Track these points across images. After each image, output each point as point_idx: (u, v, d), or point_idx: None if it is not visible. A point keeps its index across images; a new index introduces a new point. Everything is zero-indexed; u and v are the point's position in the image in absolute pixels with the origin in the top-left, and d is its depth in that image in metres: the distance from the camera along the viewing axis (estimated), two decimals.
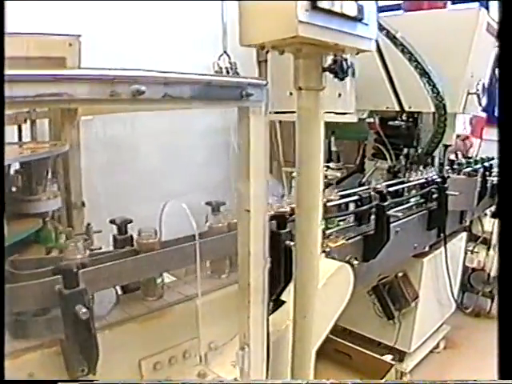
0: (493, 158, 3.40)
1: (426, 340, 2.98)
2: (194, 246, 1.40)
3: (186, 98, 0.98)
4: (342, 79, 1.28)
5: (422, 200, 2.47)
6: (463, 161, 3.12)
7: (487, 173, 3.03)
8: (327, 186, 2.87)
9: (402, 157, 2.83)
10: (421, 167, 2.68)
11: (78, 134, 2.17)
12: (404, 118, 2.74)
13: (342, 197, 2.09)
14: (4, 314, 0.89)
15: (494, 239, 3.27)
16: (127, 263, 1.34)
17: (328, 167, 3.38)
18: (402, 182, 2.48)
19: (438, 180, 2.48)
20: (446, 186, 2.45)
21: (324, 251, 1.84)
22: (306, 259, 1.42)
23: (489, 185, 3.09)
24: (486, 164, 3.09)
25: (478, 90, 2.59)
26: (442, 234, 2.59)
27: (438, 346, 3.17)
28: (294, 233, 1.43)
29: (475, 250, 3.32)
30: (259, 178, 1.19)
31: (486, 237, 3.32)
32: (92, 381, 1.18)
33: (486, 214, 3.32)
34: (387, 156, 2.84)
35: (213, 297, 1.54)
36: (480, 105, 2.63)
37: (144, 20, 3.21)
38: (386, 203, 2.02)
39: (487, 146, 4.03)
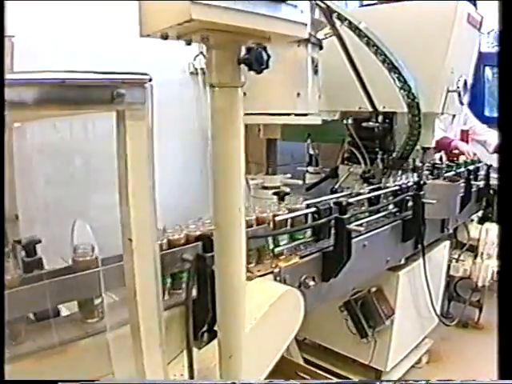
0: (479, 161, 3.08)
1: (405, 356, 2.67)
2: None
3: (31, 104, 0.70)
4: (259, 72, 0.99)
5: (396, 209, 2.17)
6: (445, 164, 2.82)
7: (472, 177, 2.72)
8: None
9: (378, 161, 2.52)
10: (399, 172, 2.38)
11: (10, 142, 1.90)
12: (380, 119, 2.44)
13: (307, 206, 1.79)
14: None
15: (481, 246, 2.96)
16: (37, 288, 1.07)
17: (307, 171, 3.09)
18: (376, 189, 2.18)
19: (413, 186, 2.18)
20: (421, 193, 2.14)
21: (272, 272, 1.56)
22: (228, 289, 1.15)
23: (475, 189, 2.80)
24: (471, 167, 2.78)
25: (458, 87, 2.29)
26: (419, 245, 2.30)
27: (420, 360, 2.86)
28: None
29: (461, 257, 3.01)
30: (142, 198, 0.90)
31: (472, 244, 3.01)
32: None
33: (472, 220, 3.01)
34: (361, 160, 2.55)
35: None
36: (461, 103, 2.32)
37: (115, 18, 2.94)
38: (346, 216, 1.72)
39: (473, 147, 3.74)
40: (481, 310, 3.22)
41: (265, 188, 2.17)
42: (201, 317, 1.27)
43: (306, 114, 2.06)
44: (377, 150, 2.53)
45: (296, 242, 1.70)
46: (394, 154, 2.40)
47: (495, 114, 4.18)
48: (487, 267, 2.94)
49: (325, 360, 2.61)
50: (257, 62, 0.99)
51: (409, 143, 2.26)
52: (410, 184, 2.20)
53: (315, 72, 2.06)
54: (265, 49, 1.01)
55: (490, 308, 3.23)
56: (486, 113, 4.25)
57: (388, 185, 2.20)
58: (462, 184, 2.60)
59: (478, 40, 2.49)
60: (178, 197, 3.37)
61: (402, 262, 2.33)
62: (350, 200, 1.84)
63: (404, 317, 2.44)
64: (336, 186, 2.54)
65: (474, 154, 3.24)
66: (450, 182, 2.39)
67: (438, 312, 3.16)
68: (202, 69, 3.39)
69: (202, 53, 3.33)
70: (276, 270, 1.56)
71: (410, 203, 2.17)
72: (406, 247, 2.24)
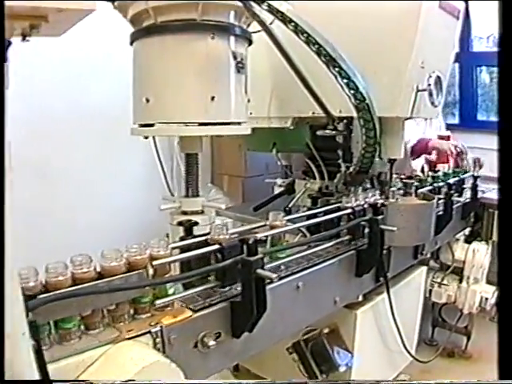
0: (465, 172, 2.42)
1: None
2: None
3: None
4: None
5: (348, 237, 1.56)
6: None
7: (453, 191, 2.08)
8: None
9: (339, 175, 1.91)
10: (359, 190, 1.76)
11: None
12: (341, 126, 1.82)
13: (205, 242, 1.21)
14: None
15: (467, 269, 2.31)
16: None
17: (274, 184, 2.48)
18: (329, 212, 1.58)
19: (371, 207, 1.56)
20: (379, 217, 1.53)
21: (149, 332, 1.00)
22: None
23: (459, 204, 2.16)
24: (451, 180, 2.13)
25: (429, 84, 1.65)
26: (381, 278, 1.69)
27: None
28: None
29: (444, 281, 2.36)
30: None
31: (458, 266, 2.36)
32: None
33: (457, 240, 2.36)
34: (316, 174, 1.93)
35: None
36: (433, 105, 1.68)
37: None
38: (256, 257, 1.13)
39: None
40: (469, 338, 2.56)
41: (184, 213, 1.58)
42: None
43: (228, 123, 1.46)
44: (339, 162, 1.91)
45: (190, 291, 1.13)
46: (351, 168, 1.77)
47: (492, 119, 3.49)
48: (474, 293, 2.29)
49: None
50: None
51: (365, 155, 1.64)
52: (368, 204, 1.57)
53: (239, 70, 1.46)
54: None
55: (480, 334, 2.57)
56: (479, 117, 3.53)
57: (348, 204, 1.59)
58: (441, 201, 1.98)
59: (456, 30, 1.84)
60: (142, 214, 2.84)
61: (360, 298, 1.71)
62: (270, 233, 1.25)
63: (366, 358, 1.83)
64: (290, 205, 1.94)
65: (459, 154, 2.56)
66: (422, 201, 1.76)
67: (422, 338, 2.56)
68: None
69: None
70: (155, 330, 1.01)
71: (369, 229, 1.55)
72: (364, 282, 1.64)
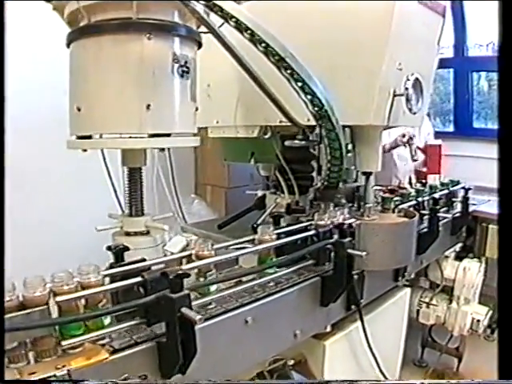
0: (457, 183, 2.12)
1: None
2: None
3: None
4: None
5: (310, 262, 1.29)
6: (412, 190, 1.89)
7: (440, 206, 1.79)
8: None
9: (311, 190, 1.63)
10: (330, 206, 1.49)
11: None
12: (314, 135, 1.54)
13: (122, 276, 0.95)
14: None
15: (457, 289, 2.01)
16: None
17: (255, 195, 2.20)
18: (299, 230, 1.31)
19: (336, 228, 1.29)
20: (345, 240, 1.25)
21: (54, 376, 0.78)
22: None
23: (447, 220, 1.87)
24: (437, 194, 1.83)
25: (406, 88, 1.37)
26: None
27: None
28: None
29: (433, 301, 2.06)
30: None
31: (447, 285, 2.06)
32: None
33: (447, 257, 2.06)
34: (284, 188, 1.66)
35: None
36: (411, 111, 1.40)
37: None
38: (182, 293, 0.88)
39: (455, 161, 2.76)
40: (460, 360, 2.25)
41: (127, 234, 1.32)
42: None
43: (168, 134, 1.20)
44: (313, 175, 1.63)
45: (106, 330, 0.88)
46: (319, 183, 1.49)
47: (491, 126, 3.17)
48: (465, 314, 1.99)
49: None
50: None
51: (331, 169, 1.37)
52: (333, 225, 1.30)
53: (182, 75, 1.20)
54: None
55: (474, 354, 2.26)
56: (475, 125, 3.20)
57: (305, 225, 1.32)
58: (426, 217, 1.69)
59: (439, 27, 1.54)
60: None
61: (328, 329, 1.43)
62: (197, 264, 0.99)
63: None
64: (259, 221, 1.67)
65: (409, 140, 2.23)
66: (401, 219, 1.48)
67: (411, 359, 2.27)
68: None
69: None
70: (61, 373, 0.80)
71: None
72: (331, 311, 1.36)
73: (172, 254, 1.74)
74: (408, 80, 1.38)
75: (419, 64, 1.47)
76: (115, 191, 1.48)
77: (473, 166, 2.58)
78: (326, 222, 1.32)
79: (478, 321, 1.99)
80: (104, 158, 1.44)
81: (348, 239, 1.27)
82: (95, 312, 0.88)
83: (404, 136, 2.33)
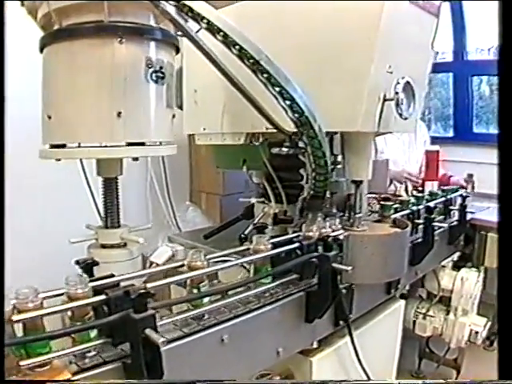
0: (455, 190, 2.01)
1: None
2: None
3: None
4: None
5: (294, 276, 1.19)
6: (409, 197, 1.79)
7: (434, 215, 1.69)
8: None
9: (300, 199, 1.52)
10: (318, 217, 1.39)
11: None
12: (302, 142, 1.44)
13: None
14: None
15: (455, 300, 1.90)
16: None
17: (248, 203, 2.10)
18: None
19: (321, 241, 1.19)
20: (330, 253, 1.16)
21: None
22: None
23: (443, 229, 1.76)
24: (432, 203, 1.72)
25: (396, 92, 1.27)
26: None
27: None
28: None
29: (430, 312, 1.95)
30: None
31: (445, 295, 1.95)
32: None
33: (444, 267, 1.95)
34: (271, 197, 1.57)
35: None
36: (401, 116, 1.29)
37: None
38: (145, 314, 0.79)
39: (455, 167, 2.65)
40: (459, 371, 2.14)
41: (103, 247, 1.23)
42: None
43: (142, 143, 1.11)
44: (302, 183, 1.53)
45: (71, 350, 0.80)
46: (305, 192, 1.40)
47: (491, 131, 3.05)
48: (463, 326, 1.88)
49: None
50: None
51: (317, 178, 1.27)
52: (317, 238, 1.20)
53: (157, 80, 1.11)
54: None
55: (473, 365, 2.15)
56: (476, 130, 3.07)
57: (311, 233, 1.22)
58: (420, 226, 1.59)
59: (433, 28, 1.44)
60: None
61: (315, 345, 1.33)
62: (163, 282, 0.90)
63: None
64: (246, 232, 1.58)
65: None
66: (392, 230, 1.38)
67: (408, 370, 2.16)
68: None
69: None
70: None
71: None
72: (317, 327, 1.26)
73: (157, 265, 1.66)
74: (398, 83, 1.28)
75: (411, 67, 1.37)
76: (95, 201, 1.39)
77: (472, 172, 2.46)
78: (313, 234, 1.23)
79: (477, 332, 1.88)
80: (83, 167, 1.35)
81: (333, 253, 1.17)
82: (58, 331, 0.79)
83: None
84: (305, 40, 1.35)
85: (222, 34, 0.96)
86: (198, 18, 0.97)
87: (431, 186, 2.10)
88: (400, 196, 1.89)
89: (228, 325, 1.02)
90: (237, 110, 1.53)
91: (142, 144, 1.13)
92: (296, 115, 1.03)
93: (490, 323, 1.88)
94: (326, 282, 1.17)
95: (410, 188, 2.08)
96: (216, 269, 1.04)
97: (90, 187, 1.34)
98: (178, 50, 1.24)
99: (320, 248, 1.21)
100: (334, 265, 1.15)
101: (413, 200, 1.72)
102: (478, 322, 1.89)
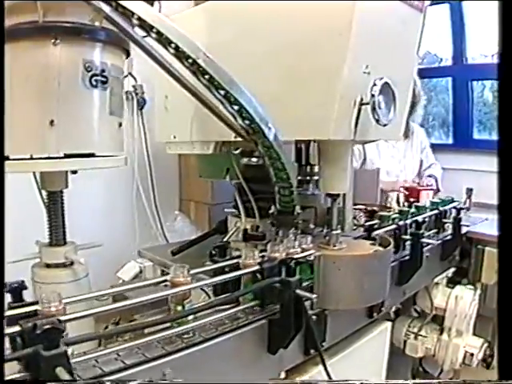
0: (452, 200, 1.80)
1: None
2: None
3: None
4: None
5: (254, 302, 1.01)
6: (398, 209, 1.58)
7: (423, 230, 1.48)
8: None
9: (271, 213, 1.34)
10: (290, 233, 1.20)
11: None
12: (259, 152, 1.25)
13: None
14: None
15: (449, 320, 1.68)
16: None
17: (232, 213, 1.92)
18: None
19: (282, 264, 1.00)
20: (292, 279, 0.97)
21: None
22: None
23: (434, 244, 1.56)
24: (420, 217, 1.51)
25: (372, 95, 1.08)
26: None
27: None
28: None
29: (422, 332, 1.73)
30: None
31: (438, 314, 1.73)
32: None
33: (437, 284, 1.73)
34: (241, 211, 1.38)
35: None
36: (378, 122, 1.10)
37: None
38: (53, 352, 0.63)
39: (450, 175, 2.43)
40: None
41: (47, 266, 1.07)
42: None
43: (81, 155, 0.94)
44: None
45: None
46: (272, 207, 1.21)
47: (493, 137, 2.81)
48: (457, 347, 1.66)
49: None
50: None
51: (281, 192, 1.08)
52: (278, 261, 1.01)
53: (96, 85, 0.95)
54: None
55: None
56: (476, 136, 2.82)
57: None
58: (408, 242, 1.39)
59: (418, 25, 1.24)
60: (101, 236, 2.34)
61: (282, 375, 1.14)
62: (78, 315, 0.72)
63: None
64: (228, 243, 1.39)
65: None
66: (371, 249, 1.19)
67: None
68: (128, 92, 2.34)
69: (130, 74, 2.30)
70: None
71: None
72: (285, 357, 1.08)
73: (123, 281, 1.49)
74: (375, 85, 1.08)
75: (393, 67, 1.18)
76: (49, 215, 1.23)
77: (472, 181, 2.24)
78: (280, 254, 1.04)
79: (472, 354, 1.66)
80: (36, 180, 1.19)
81: (296, 277, 0.98)
82: None
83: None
84: (275, 40, 1.17)
85: (155, 30, 0.79)
86: (128, 13, 0.80)
87: (427, 197, 1.89)
88: (390, 208, 1.69)
89: (173, 358, 0.85)
90: (205, 117, 1.36)
91: (81, 156, 0.96)
92: (246, 122, 0.86)
93: (486, 344, 1.66)
94: (288, 309, 0.98)
95: (401, 199, 1.87)
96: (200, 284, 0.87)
97: (43, 200, 1.18)
98: (128, 53, 1.07)
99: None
100: (298, 291, 0.97)
101: (395, 215, 1.51)
102: (474, 343, 1.67)
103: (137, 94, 2.36)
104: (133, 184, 2.34)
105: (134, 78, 2.33)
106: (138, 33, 0.88)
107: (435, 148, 2.74)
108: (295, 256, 1.05)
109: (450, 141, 2.94)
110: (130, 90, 2.34)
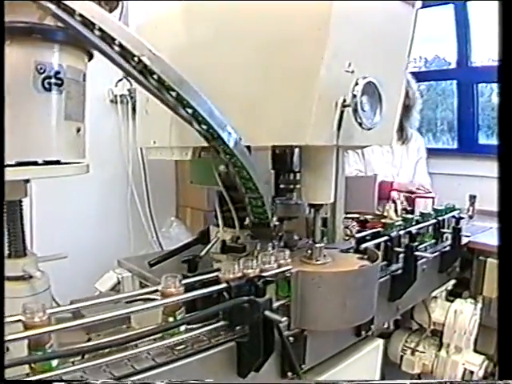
0: (453, 209, 1.65)
1: None
2: None
3: None
4: None
5: (222, 323, 0.89)
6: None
7: (417, 243, 1.34)
8: None
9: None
10: (269, 246, 1.08)
11: None
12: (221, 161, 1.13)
13: None
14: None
15: (447, 336, 1.53)
16: None
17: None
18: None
19: (250, 283, 0.88)
20: (261, 300, 0.85)
21: None
22: None
23: (431, 256, 1.42)
24: (414, 228, 1.37)
25: (354, 95, 0.95)
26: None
27: None
28: None
29: (419, 347, 1.58)
30: None
31: (436, 329, 1.58)
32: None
33: (435, 298, 1.58)
34: (219, 221, 1.26)
35: None
36: (361, 126, 0.97)
37: None
38: None
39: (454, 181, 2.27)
40: None
41: (7, 279, 0.97)
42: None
43: (34, 163, 0.84)
44: None
45: None
46: (247, 219, 1.09)
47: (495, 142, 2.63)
48: (455, 365, 1.52)
49: None
50: None
51: (252, 202, 0.96)
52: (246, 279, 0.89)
53: (49, 89, 0.84)
54: None
55: None
56: (482, 141, 2.64)
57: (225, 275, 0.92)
58: (401, 255, 1.26)
59: (411, 20, 1.11)
60: (95, 243, 2.25)
61: None
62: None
63: None
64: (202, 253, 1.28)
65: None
66: (356, 264, 1.06)
67: None
68: (122, 95, 2.25)
69: (125, 77, 2.21)
70: None
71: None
72: (259, 380, 0.95)
73: (100, 292, 1.38)
74: (357, 84, 0.95)
75: (380, 66, 1.05)
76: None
77: (476, 187, 2.08)
78: (253, 271, 0.92)
79: (472, 372, 1.51)
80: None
81: (265, 298, 0.86)
82: None
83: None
84: (253, 39, 1.04)
85: (97, 28, 0.68)
86: (71, 11, 0.69)
87: (424, 205, 1.75)
88: (386, 217, 1.55)
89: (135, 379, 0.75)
90: (183, 123, 1.25)
91: (35, 163, 0.86)
92: (203, 127, 0.74)
93: (487, 362, 1.51)
94: (257, 331, 0.86)
95: (399, 207, 1.72)
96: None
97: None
98: (91, 55, 0.97)
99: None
100: (267, 313, 0.84)
101: (399, 223, 1.37)
102: (474, 360, 1.52)
103: (132, 98, 2.27)
104: (127, 190, 2.25)
105: (129, 82, 2.24)
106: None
107: (440, 153, 2.58)
108: (270, 272, 0.93)
109: (455, 146, 2.78)
110: (124, 93, 2.25)
